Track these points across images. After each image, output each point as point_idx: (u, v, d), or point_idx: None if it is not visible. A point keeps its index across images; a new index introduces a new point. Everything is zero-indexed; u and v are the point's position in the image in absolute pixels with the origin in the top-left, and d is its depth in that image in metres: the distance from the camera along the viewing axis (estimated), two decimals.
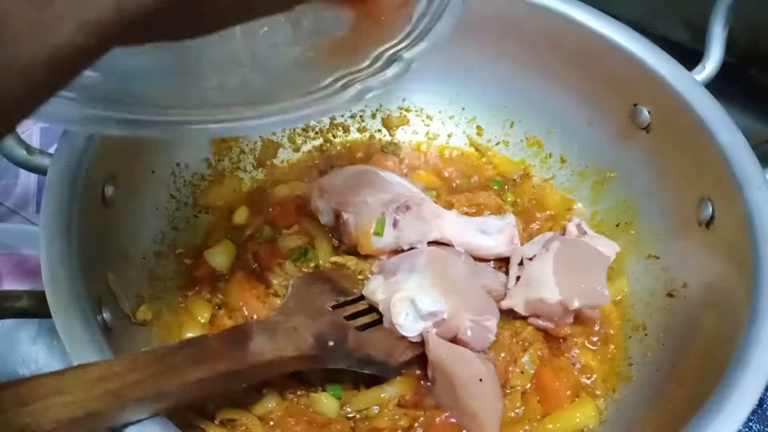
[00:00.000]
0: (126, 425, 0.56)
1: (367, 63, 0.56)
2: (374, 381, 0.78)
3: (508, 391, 0.79)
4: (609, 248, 0.85)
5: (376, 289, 0.79)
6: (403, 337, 0.76)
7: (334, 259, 0.87)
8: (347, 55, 0.56)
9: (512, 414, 0.77)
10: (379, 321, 0.78)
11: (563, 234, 0.87)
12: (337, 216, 0.86)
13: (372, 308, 0.80)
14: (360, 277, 0.85)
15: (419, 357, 0.78)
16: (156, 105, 0.50)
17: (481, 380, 0.72)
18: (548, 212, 0.97)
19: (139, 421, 0.57)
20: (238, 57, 0.56)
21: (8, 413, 0.49)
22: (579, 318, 0.83)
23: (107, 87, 0.49)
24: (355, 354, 0.74)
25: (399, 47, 0.57)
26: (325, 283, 0.82)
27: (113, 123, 0.48)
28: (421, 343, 0.77)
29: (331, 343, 0.72)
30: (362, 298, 0.81)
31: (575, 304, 0.79)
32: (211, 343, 0.64)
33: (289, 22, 0.56)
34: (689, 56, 0.85)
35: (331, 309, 0.78)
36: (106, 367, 0.56)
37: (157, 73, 0.53)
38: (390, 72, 0.55)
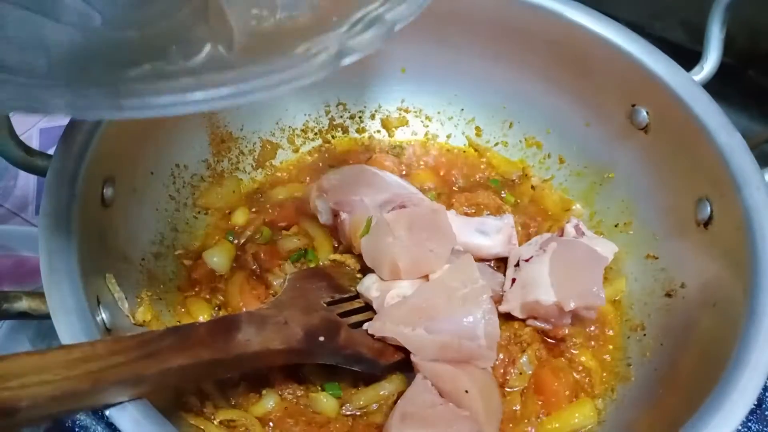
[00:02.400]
0: (105, 406, 0.57)
1: (345, 28, 0.51)
2: (373, 379, 0.78)
3: (507, 391, 0.79)
4: (607, 249, 0.84)
5: (371, 285, 0.79)
6: None
7: (333, 256, 0.87)
8: (323, 23, 0.52)
9: (511, 414, 0.78)
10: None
11: (561, 235, 0.87)
12: (336, 215, 0.86)
13: (367, 306, 0.80)
14: (359, 275, 0.85)
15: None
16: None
17: (467, 392, 0.70)
18: (547, 213, 0.97)
19: (119, 403, 0.57)
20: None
21: None
22: (577, 318, 0.83)
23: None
24: (346, 351, 0.74)
25: (380, 10, 0.52)
26: (321, 280, 0.82)
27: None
28: None
29: (321, 339, 0.72)
30: (358, 296, 0.81)
31: (570, 305, 0.78)
32: (197, 332, 0.64)
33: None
34: (687, 57, 0.85)
35: (325, 305, 0.78)
36: (89, 348, 0.56)
37: None
38: (369, 34, 0.51)
